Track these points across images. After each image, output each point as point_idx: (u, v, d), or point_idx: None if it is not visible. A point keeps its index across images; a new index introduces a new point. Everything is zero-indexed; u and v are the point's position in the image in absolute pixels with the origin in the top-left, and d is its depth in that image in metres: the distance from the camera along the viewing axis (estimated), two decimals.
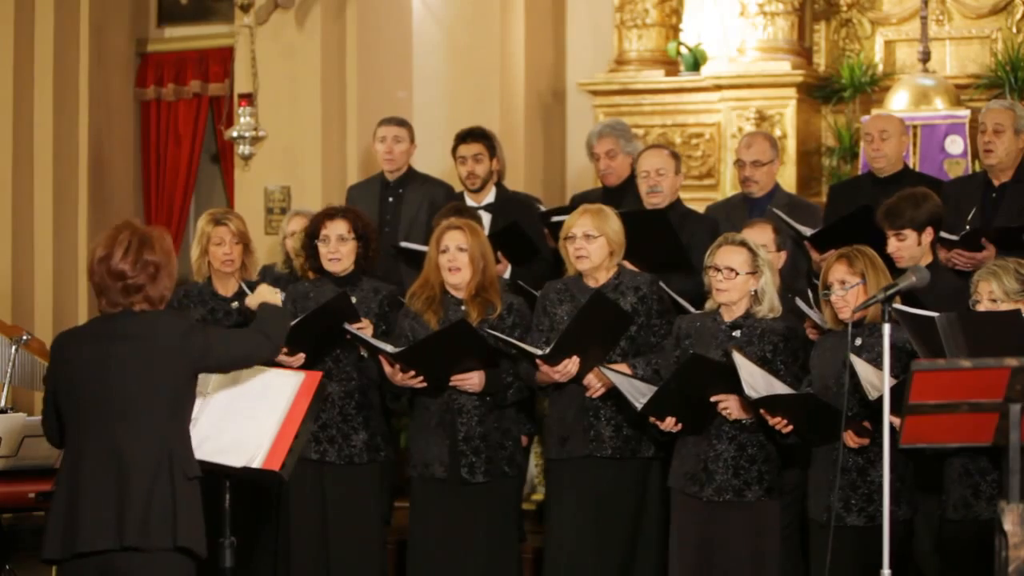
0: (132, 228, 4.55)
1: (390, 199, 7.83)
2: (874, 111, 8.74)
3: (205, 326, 4.69)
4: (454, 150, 7.61)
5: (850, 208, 6.78)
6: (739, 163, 7.37)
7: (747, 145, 7.35)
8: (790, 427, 5.39)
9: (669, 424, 5.58)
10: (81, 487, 4.43)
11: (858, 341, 5.45)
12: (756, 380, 5.38)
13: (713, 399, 5.50)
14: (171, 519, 4.43)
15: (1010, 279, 5.14)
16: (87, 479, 4.42)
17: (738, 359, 5.38)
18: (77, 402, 4.49)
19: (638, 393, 5.60)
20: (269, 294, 5.12)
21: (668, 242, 6.59)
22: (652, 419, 5.61)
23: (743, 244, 5.67)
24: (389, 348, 5.93)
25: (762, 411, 5.38)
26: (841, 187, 7.73)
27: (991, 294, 5.16)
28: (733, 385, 5.44)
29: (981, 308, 5.18)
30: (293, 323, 6.07)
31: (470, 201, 7.55)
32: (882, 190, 7.01)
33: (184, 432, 4.57)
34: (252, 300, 5.10)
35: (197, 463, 4.58)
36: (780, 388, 5.41)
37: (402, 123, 7.91)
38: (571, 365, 5.81)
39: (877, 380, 5.16)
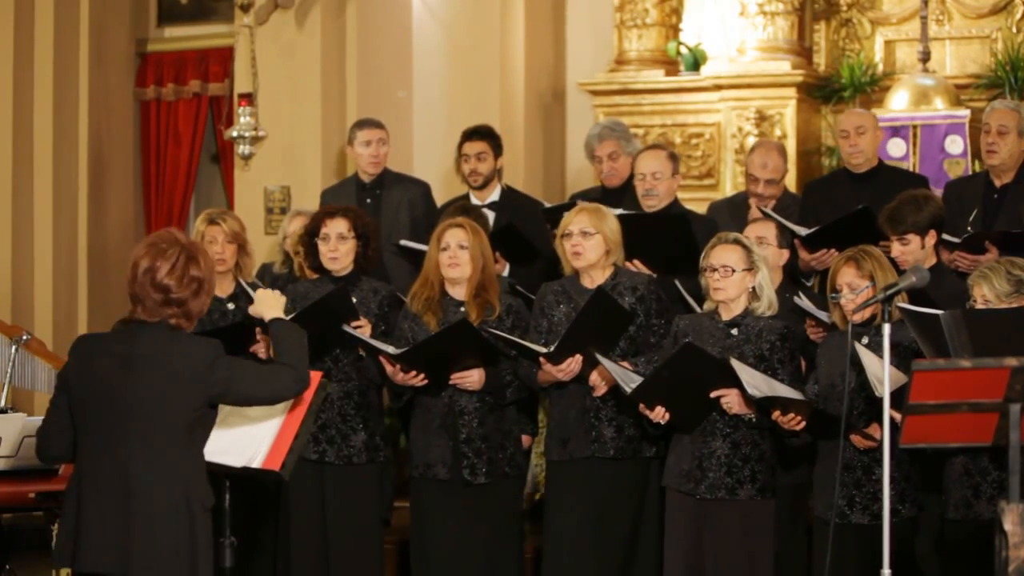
0: (179, 242, 4.43)
1: (368, 200, 7.82)
2: (874, 111, 8.75)
3: (234, 358, 4.52)
4: (459, 147, 7.62)
5: (834, 207, 6.79)
6: (751, 178, 7.35)
7: (763, 165, 7.32)
8: (803, 423, 5.38)
9: (658, 414, 5.56)
10: (86, 506, 4.37)
11: (864, 340, 5.45)
12: (758, 382, 5.38)
13: (714, 394, 5.50)
14: (189, 555, 4.36)
15: (1001, 281, 5.12)
16: (92, 499, 4.36)
17: (737, 365, 5.38)
18: (93, 416, 4.40)
19: (630, 380, 5.60)
20: (274, 301, 4.88)
21: (685, 247, 6.53)
22: (642, 408, 5.59)
23: (737, 242, 5.67)
24: (390, 349, 5.93)
25: (776, 412, 5.37)
26: (817, 185, 7.75)
27: (983, 297, 5.14)
28: (729, 380, 5.43)
29: None
30: (290, 318, 6.08)
31: (474, 199, 7.56)
32: (860, 186, 7.04)
33: (199, 461, 4.48)
34: (255, 308, 4.90)
35: (211, 491, 4.50)
36: (782, 390, 5.41)
37: (381, 125, 7.93)
38: (574, 364, 5.81)
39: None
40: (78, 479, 4.45)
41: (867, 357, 5.20)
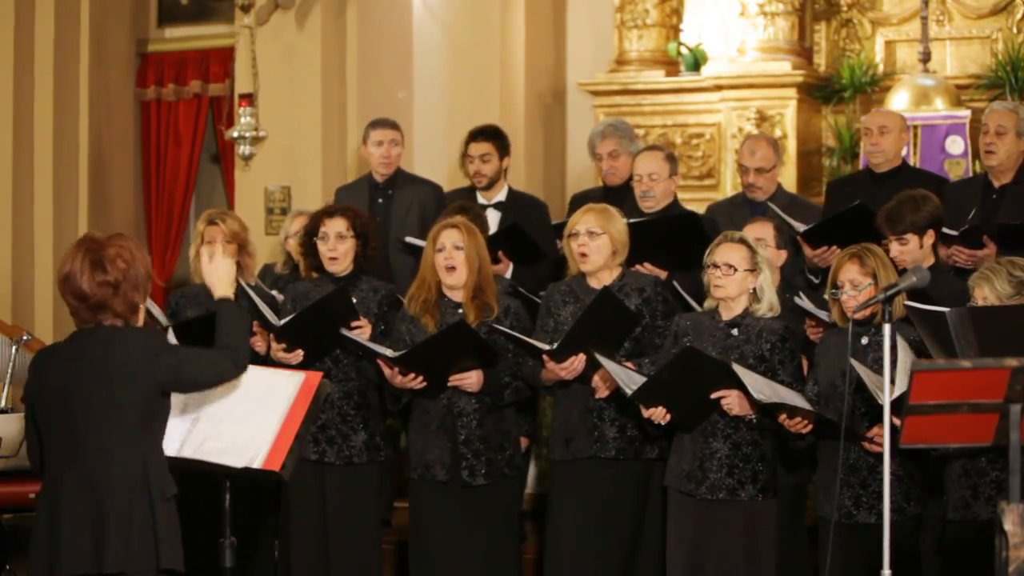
0: (87, 245, 4.48)
1: (380, 200, 7.82)
2: (873, 111, 8.75)
3: (176, 347, 4.58)
4: (465, 147, 7.62)
5: (847, 205, 6.79)
6: (742, 169, 7.35)
7: (751, 152, 7.31)
8: (809, 427, 5.38)
9: (659, 414, 5.56)
10: (60, 512, 4.40)
11: (864, 340, 5.45)
12: (761, 386, 5.38)
13: (714, 396, 5.50)
14: (152, 542, 4.40)
15: (1002, 283, 5.09)
16: (65, 504, 4.40)
17: (739, 370, 5.37)
18: (52, 426, 4.47)
19: (631, 381, 5.59)
20: (227, 276, 4.81)
21: (695, 245, 6.51)
22: (642, 409, 5.59)
23: (742, 241, 5.67)
24: (388, 352, 5.92)
25: (782, 415, 5.37)
26: (839, 183, 7.73)
27: (984, 299, 5.12)
28: (730, 381, 5.43)
29: None
30: (291, 318, 6.09)
31: (481, 199, 7.55)
32: (880, 186, 7.02)
33: (158, 451, 4.52)
34: (208, 277, 4.86)
35: (173, 481, 4.54)
36: (785, 394, 5.40)
37: (395, 125, 7.91)
38: (577, 363, 5.81)
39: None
40: (46, 487, 4.48)
41: (862, 371, 5.20)
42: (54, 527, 4.41)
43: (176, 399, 4.79)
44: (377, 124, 7.90)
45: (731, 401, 5.48)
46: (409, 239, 7.34)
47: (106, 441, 4.39)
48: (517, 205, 7.57)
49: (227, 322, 4.70)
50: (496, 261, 6.93)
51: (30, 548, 4.53)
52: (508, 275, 7.09)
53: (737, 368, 5.37)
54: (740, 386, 5.40)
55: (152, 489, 4.42)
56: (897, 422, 4.53)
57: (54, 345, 4.70)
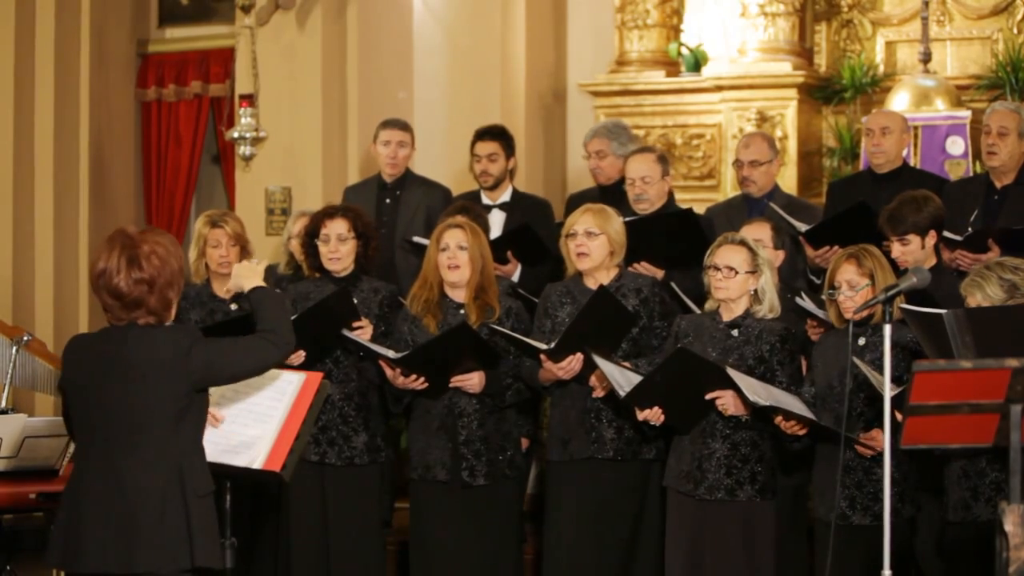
0: (123, 242, 4.42)
1: (387, 200, 7.82)
2: (875, 112, 8.75)
3: (209, 341, 4.48)
4: (471, 147, 7.63)
5: (848, 205, 6.79)
6: (737, 163, 7.37)
7: (745, 145, 7.35)
8: (805, 429, 5.38)
9: (654, 415, 5.55)
10: (84, 511, 4.37)
11: (861, 341, 5.45)
12: (757, 389, 5.38)
13: (709, 396, 5.50)
14: (187, 541, 4.36)
15: (994, 287, 5.05)
16: (90, 501, 4.37)
17: (734, 374, 5.37)
18: (81, 423, 4.45)
19: (625, 382, 5.59)
20: (251, 271, 4.83)
21: (693, 241, 6.52)
22: (637, 412, 5.58)
23: (743, 243, 5.67)
24: (390, 353, 5.92)
25: (778, 417, 5.37)
26: (841, 184, 7.73)
27: (978, 305, 5.11)
28: (724, 382, 5.43)
29: None
30: (292, 319, 6.07)
31: (486, 199, 7.56)
32: (882, 187, 7.03)
33: (195, 447, 4.46)
34: (234, 282, 4.86)
35: (210, 478, 4.49)
36: (782, 397, 5.40)
37: (405, 127, 7.91)
38: (575, 362, 5.81)
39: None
40: (73, 481, 4.47)
41: (865, 368, 5.19)
42: (77, 524, 4.38)
43: None
44: (387, 124, 7.90)
45: (726, 401, 5.49)
46: (415, 238, 7.35)
47: (136, 441, 4.35)
48: (522, 205, 7.59)
49: (262, 307, 4.65)
50: (504, 261, 6.95)
51: (49, 540, 4.51)
52: (516, 276, 7.10)
53: (731, 371, 5.37)
54: (734, 387, 5.40)
55: (186, 487, 4.38)
56: (899, 417, 4.53)
57: (85, 338, 4.62)
